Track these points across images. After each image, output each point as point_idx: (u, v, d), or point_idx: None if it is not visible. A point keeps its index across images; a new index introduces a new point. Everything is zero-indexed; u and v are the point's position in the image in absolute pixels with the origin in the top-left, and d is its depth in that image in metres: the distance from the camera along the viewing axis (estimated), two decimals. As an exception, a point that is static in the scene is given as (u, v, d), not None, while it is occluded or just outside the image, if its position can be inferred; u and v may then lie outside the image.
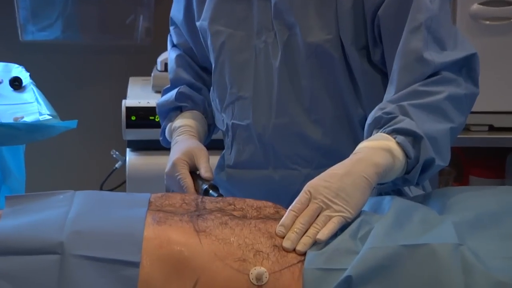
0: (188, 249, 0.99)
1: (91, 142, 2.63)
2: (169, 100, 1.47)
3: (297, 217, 1.05)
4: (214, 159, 1.47)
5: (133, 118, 2.09)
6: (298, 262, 1.00)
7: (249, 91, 1.34)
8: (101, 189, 2.32)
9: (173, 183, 1.34)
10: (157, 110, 1.50)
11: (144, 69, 2.41)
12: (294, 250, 1.02)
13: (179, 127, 1.43)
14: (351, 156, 1.11)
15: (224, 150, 1.45)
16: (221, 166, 1.45)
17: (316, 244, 1.03)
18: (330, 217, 1.04)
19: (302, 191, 1.07)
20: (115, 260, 0.98)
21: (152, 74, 2.25)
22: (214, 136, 1.54)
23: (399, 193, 1.31)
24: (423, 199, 1.17)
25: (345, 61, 1.27)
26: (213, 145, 1.52)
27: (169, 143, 1.46)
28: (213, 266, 0.98)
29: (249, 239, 1.01)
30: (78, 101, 2.61)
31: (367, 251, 0.97)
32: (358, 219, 1.05)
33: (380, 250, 0.97)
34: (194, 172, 1.35)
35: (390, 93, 1.19)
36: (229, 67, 1.36)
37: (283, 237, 1.03)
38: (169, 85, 1.51)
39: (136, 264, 0.98)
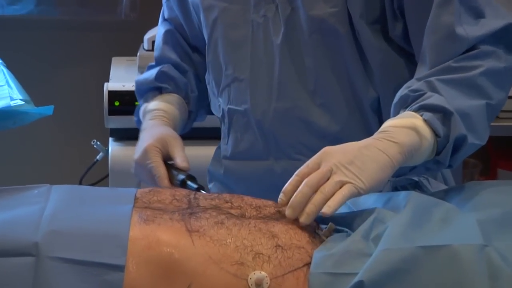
0: (179, 251, 0.99)
1: (69, 131, 2.63)
2: (148, 79, 1.47)
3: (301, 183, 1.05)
4: (211, 150, 1.47)
5: (117, 103, 2.08)
6: (303, 266, 1.00)
7: (245, 72, 1.34)
8: (80, 183, 2.32)
9: (143, 172, 1.34)
10: (135, 87, 1.50)
11: (129, 48, 2.40)
12: (292, 252, 1.01)
13: (153, 110, 1.43)
14: (374, 135, 1.12)
15: (221, 141, 1.45)
16: (217, 158, 1.45)
17: (324, 244, 1.03)
18: (341, 184, 1.04)
19: (313, 156, 1.08)
20: (97, 263, 0.98)
21: (138, 54, 2.24)
22: (211, 125, 1.54)
23: (417, 187, 1.31)
24: (444, 195, 1.17)
25: (353, 38, 1.27)
26: (210, 134, 1.51)
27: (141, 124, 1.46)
28: (207, 271, 0.98)
29: (248, 240, 1.02)
30: (54, 84, 2.60)
31: (381, 253, 0.97)
32: (371, 217, 1.05)
33: (395, 252, 0.97)
34: (166, 162, 1.35)
35: (421, 73, 1.20)
36: (223, 45, 1.35)
37: (284, 206, 1.04)
38: (153, 63, 1.51)
39: (120, 268, 0.98)
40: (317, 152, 1.30)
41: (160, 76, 1.46)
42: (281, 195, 1.06)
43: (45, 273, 0.97)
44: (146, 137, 1.36)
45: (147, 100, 1.47)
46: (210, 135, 1.52)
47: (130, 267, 0.98)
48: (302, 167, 1.07)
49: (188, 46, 1.50)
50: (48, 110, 1.63)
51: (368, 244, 1.01)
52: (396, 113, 1.17)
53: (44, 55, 2.59)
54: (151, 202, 1.10)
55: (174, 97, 1.46)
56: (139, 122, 1.48)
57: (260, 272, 0.99)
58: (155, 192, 1.12)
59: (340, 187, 1.05)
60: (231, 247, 1.00)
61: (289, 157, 1.34)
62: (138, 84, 1.49)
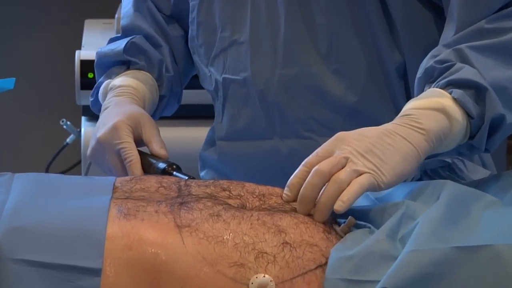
0: (167, 252, 1.00)
1: (33, 109, 2.64)
2: (114, 50, 1.45)
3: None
4: (203, 132, 1.47)
5: (91, 75, 2.09)
6: (316, 268, 1.01)
7: (245, 33, 1.34)
8: (47, 171, 2.33)
9: (107, 156, 1.30)
10: (96, 60, 1.48)
11: (105, 9, 2.40)
12: (302, 252, 1.02)
13: (119, 86, 1.41)
14: (395, 120, 1.13)
15: (214, 120, 1.46)
16: (211, 141, 1.45)
17: (341, 242, 1.03)
18: (358, 173, 1.05)
19: (325, 143, 1.08)
20: (68, 266, 0.98)
21: (116, 16, 2.25)
22: (202, 101, 1.54)
23: (450, 170, 1.32)
24: (484, 185, 1.18)
25: None
26: (201, 112, 1.51)
27: (100, 108, 1.42)
28: (201, 274, 0.99)
29: (249, 237, 1.02)
30: (16, 53, 2.60)
31: (408, 256, 0.98)
32: (399, 213, 1.06)
33: (425, 254, 0.98)
34: (137, 148, 1.31)
35: (449, 33, 1.20)
36: (220, 1, 1.35)
37: (290, 202, 1.05)
38: (118, 35, 1.50)
39: (96, 272, 0.98)
40: (331, 127, 1.32)
41: (130, 47, 1.44)
42: (286, 190, 1.06)
43: (7, 278, 0.97)
44: (113, 114, 1.33)
45: (110, 77, 1.45)
46: (202, 113, 1.51)
47: (107, 271, 0.98)
48: (310, 156, 1.08)
49: (163, 17, 1.49)
50: (8, 83, 1.63)
51: (394, 245, 1.02)
52: (421, 89, 1.18)
53: (4, 19, 2.60)
54: (133, 191, 1.10)
55: (144, 74, 1.44)
56: (96, 103, 1.46)
57: (264, 276, 0.99)
58: (138, 179, 1.13)
59: (357, 177, 1.05)
60: (229, 245, 1.01)
61: (297, 135, 1.34)
62: (101, 56, 1.47)
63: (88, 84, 2.09)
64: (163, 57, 1.46)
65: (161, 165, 1.28)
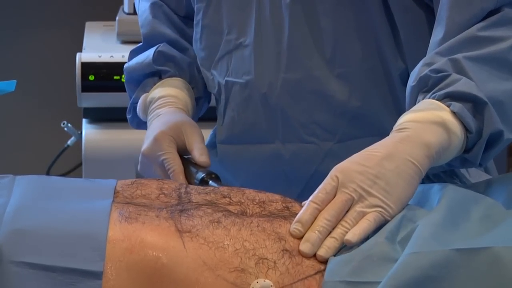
0: (168, 255, 1.00)
1: (34, 111, 2.64)
2: (143, 63, 1.44)
3: (320, 211, 1.05)
4: (205, 134, 1.47)
5: (92, 78, 2.09)
6: (316, 273, 1.01)
7: (250, 36, 1.34)
8: (48, 173, 2.33)
9: (153, 168, 1.33)
10: (125, 76, 1.48)
11: (106, 12, 2.40)
12: (314, 255, 1.02)
13: (159, 97, 1.41)
14: (392, 134, 1.11)
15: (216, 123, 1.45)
16: (211, 144, 1.45)
17: (343, 248, 1.03)
18: (364, 214, 1.04)
19: (328, 177, 1.07)
20: (69, 269, 0.98)
21: (117, 18, 2.25)
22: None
23: (453, 175, 1.31)
24: (486, 188, 1.17)
25: None
26: (204, 115, 1.51)
27: (141, 123, 1.44)
28: (201, 278, 0.99)
29: (250, 243, 1.02)
30: (17, 55, 2.60)
31: (408, 258, 0.98)
32: (398, 215, 1.06)
33: (425, 256, 0.97)
34: (182, 156, 1.34)
35: (437, 35, 1.19)
36: (228, 3, 1.35)
37: (300, 238, 1.03)
38: (140, 44, 1.49)
39: (97, 275, 0.98)
40: (334, 132, 1.31)
41: (158, 57, 1.43)
42: (296, 225, 1.04)
43: (8, 281, 0.97)
44: (157, 126, 1.35)
45: (144, 90, 1.44)
46: (204, 116, 1.51)
47: (108, 274, 0.98)
48: (317, 192, 1.06)
49: (180, 19, 1.48)
50: (10, 85, 1.63)
51: (394, 247, 1.02)
52: (414, 97, 1.16)
53: (5, 20, 2.60)
54: (134, 197, 1.10)
55: (179, 81, 1.44)
56: (135, 119, 1.46)
57: (264, 280, 0.99)
58: (139, 184, 1.13)
59: (364, 216, 1.05)
60: (229, 250, 1.01)
61: (299, 139, 1.34)
62: (129, 71, 1.46)
63: (89, 86, 2.09)
64: (191, 59, 1.46)
65: (199, 174, 1.29)
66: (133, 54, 1.49)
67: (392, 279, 0.96)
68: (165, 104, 1.40)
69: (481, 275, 0.97)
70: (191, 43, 1.46)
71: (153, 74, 1.45)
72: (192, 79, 1.46)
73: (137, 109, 1.45)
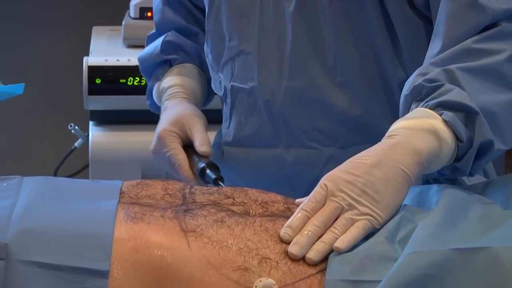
0: (173, 255, 1.00)
1: (42, 114, 2.64)
2: (153, 53, 1.50)
3: (309, 218, 1.04)
4: (210, 135, 1.48)
5: (98, 81, 2.09)
6: (317, 272, 1.01)
7: (253, 43, 1.34)
8: (55, 174, 2.33)
9: (163, 162, 1.38)
10: (140, 66, 1.53)
11: (112, 16, 2.40)
12: (303, 258, 1.02)
13: (168, 88, 1.46)
14: (383, 140, 1.11)
15: (222, 124, 1.46)
16: (217, 145, 1.46)
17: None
18: (353, 221, 1.04)
19: (318, 185, 1.06)
20: (76, 268, 0.98)
21: (123, 23, 2.25)
22: (211, 106, 1.55)
23: (453, 181, 1.31)
24: (484, 189, 1.17)
25: (380, 5, 1.27)
26: (209, 116, 1.51)
27: (159, 108, 1.49)
28: (205, 277, 0.99)
29: (253, 242, 1.02)
30: (26, 58, 2.60)
31: (407, 257, 0.98)
32: (397, 216, 1.06)
33: (424, 256, 0.98)
34: (190, 146, 1.37)
35: (434, 48, 1.19)
36: (228, 11, 1.36)
37: (289, 242, 1.02)
38: (154, 31, 1.52)
39: (104, 274, 0.98)
40: (335, 138, 1.32)
41: (165, 46, 1.48)
42: (287, 230, 1.03)
43: (16, 280, 0.97)
44: (160, 123, 1.40)
45: (158, 78, 1.49)
46: (209, 117, 1.52)
47: (114, 273, 0.98)
48: (308, 201, 1.05)
49: (193, 5, 1.51)
50: (18, 88, 1.63)
51: (393, 246, 1.02)
52: (407, 106, 1.16)
53: (14, 24, 2.60)
54: (139, 197, 1.10)
55: (187, 67, 1.49)
56: (153, 105, 1.52)
57: (267, 279, 0.99)
58: (144, 185, 1.13)
59: (353, 223, 1.04)
60: (233, 249, 1.01)
61: (302, 144, 1.34)
62: (142, 61, 1.51)
63: (96, 89, 2.10)
64: (200, 44, 1.49)
65: (200, 164, 1.33)
66: (148, 40, 1.54)
67: (392, 278, 0.97)
68: (172, 95, 1.45)
69: (480, 274, 0.97)
70: (202, 27, 1.49)
71: (163, 63, 1.50)
72: (201, 63, 1.50)
73: (153, 97, 1.50)
